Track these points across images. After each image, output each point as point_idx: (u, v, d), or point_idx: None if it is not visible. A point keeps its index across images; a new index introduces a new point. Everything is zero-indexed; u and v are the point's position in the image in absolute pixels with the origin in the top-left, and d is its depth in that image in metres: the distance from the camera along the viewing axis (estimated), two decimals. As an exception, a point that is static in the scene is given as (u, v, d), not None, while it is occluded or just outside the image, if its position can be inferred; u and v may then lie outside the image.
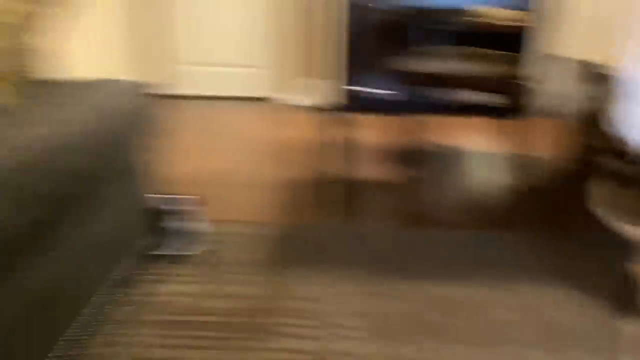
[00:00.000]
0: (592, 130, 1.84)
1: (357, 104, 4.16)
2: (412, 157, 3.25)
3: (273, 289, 1.68)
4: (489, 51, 2.75)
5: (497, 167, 3.04)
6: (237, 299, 1.63)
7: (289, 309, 1.58)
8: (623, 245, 1.60)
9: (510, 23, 2.49)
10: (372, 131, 3.67)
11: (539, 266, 1.88)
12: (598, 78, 1.66)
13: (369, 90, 4.25)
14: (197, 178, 2.69)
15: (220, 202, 2.40)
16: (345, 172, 2.88)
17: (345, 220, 2.25)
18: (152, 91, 1.65)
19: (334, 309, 1.58)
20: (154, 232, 1.84)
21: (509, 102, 2.61)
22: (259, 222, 2.17)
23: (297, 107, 4.09)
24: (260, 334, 1.47)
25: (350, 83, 4.25)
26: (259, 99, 4.41)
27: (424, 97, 3.20)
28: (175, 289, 1.66)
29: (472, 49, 2.80)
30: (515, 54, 2.44)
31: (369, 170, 2.97)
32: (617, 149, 1.65)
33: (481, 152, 3.43)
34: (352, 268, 1.81)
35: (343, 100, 4.12)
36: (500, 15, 2.54)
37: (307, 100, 4.07)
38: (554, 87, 1.99)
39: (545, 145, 3.65)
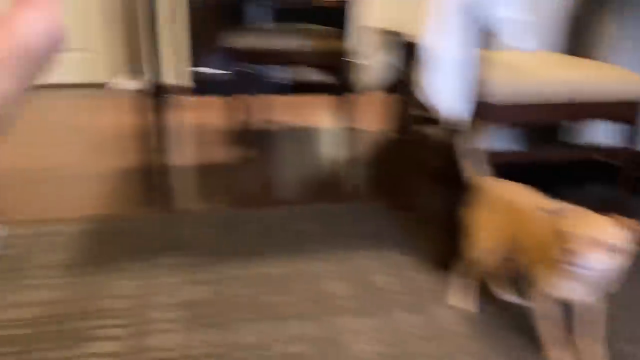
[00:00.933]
0: (410, 100, 1.90)
1: (202, 86, 4.00)
2: (249, 137, 3.19)
3: (86, 290, 1.51)
4: (318, 27, 2.75)
5: (333, 142, 3.08)
6: (44, 305, 1.44)
7: (103, 309, 1.43)
8: (454, 212, 1.67)
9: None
10: (213, 113, 3.55)
11: (375, 236, 1.91)
12: (407, 48, 1.70)
13: (210, 71, 4.11)
14: (7, 175, 2.39)
15: (28, 201, 2.15)
16: (174, 157, 2.74)
17: (170, 208, 2.13)
18: None
19: (154, 303, 1.46)
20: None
21: (338, 78, 2.64)
22: (74, 218, 1.97)
23: (133, 92, 3.83)
24: (68, 341, 1.31)
25: (194, 64, 4.08)
26: (93, 85, 4.09)
27: (258, 76, 3.14)
28: (-34, 304, 1.43)
29: (301, 25, 2.78)
30: (340, 29, 2.46)
31: (204, 153, 2.85)
32: (431, 117, 1.70)
33: (318, 129, 3.46)
34: (176, 257, 1.70)
35: (187, 83, 3.94)
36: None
37: (143, 84, 3.81)
38: (374, 60, 2.03)
39: (375, 118, 3.79)
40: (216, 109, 2.75)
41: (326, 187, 2.44)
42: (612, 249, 1.07)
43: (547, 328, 1.29)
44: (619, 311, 1.48)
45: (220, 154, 2.84)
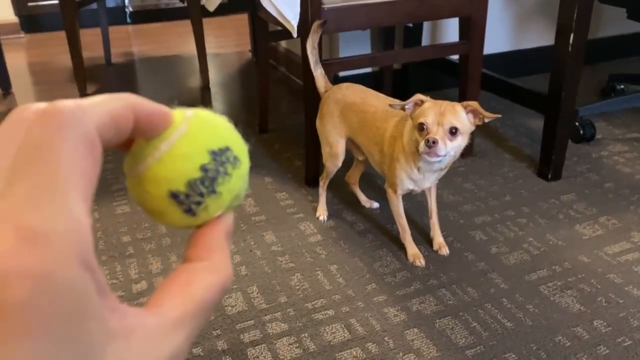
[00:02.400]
0: (261, 16, 1.81)
1: (33, 23, 3.60)
2: (99, 71, 2.95)
3: None
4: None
5: (190, 69, 2.93)
6: None
7: None
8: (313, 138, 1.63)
9: None
10: (55, 50, 3.23)
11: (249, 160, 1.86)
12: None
13: (42, 2, 3.70)
14: None
15: None
16: (18, 101, 2.47)
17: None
18: None
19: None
20: None
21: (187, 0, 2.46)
22: None
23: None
24: None
25: None
26: None
27: (101, 7, 2.86)
28: None
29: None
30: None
31: (49, 95, 2.61)
32: (284, 30, 1.62)
33: (175, 56, 3.27)
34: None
35: (17, 19, 3.51)
36: None
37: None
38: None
39: (233, 39, 3.65)
40: (59, 46, 2.49)
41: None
42: (456, 130, 1.11)
43: (403, 222, 1.33)
44: (468, 203, 1.57)
45: (70, 93, 2.61)
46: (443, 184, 1.64)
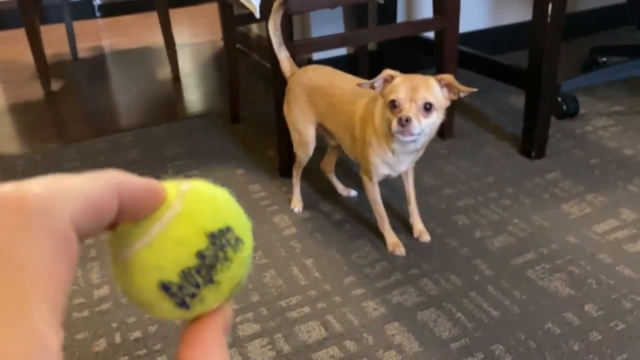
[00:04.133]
0: (224, 4, 1.72)
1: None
2: (67, 67, 2.84)
3: None
4: None
5: (160, 61, 2.83)
6: None
7: None
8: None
9: None
10: (17, 47, 3.10)
11: (208, 153, 1.78)
12: None
13: None
14: None
15: None
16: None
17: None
18: None
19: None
20: None
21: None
22: None
23: None
24: None
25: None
26: None
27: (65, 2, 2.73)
28: None
29: None
30: None
31: (14, 92, 2.49)
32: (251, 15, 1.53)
33: (144, 48, 3.17)
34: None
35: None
36: None
37: None
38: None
39: (204, 29, 3.55)
40: (23, 42, 2.38)
41: (155, 109, 2.23)
42: (431, 106, 1.03)
43: (380, 209, 1.26)
44: (449, 186, 1.50)
45: (35, 90, 2.50)
46: (423, 167, 1.57)
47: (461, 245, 1.24)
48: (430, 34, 1.69)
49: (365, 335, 1.02)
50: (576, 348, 0.95)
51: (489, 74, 1.73)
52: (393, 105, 1.04)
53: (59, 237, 0.18)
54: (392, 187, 1.44)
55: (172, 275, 0.23)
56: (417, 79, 1.05)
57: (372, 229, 1.32)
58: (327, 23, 2.09)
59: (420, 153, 1.19)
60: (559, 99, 1.78)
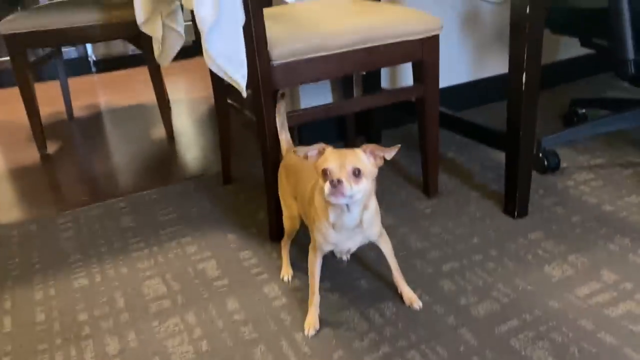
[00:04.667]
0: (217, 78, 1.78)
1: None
2: (59, 128, 2.90)
3: None
4: (109, -3, 2.49)
5: (152, 119, 2.89)
6: None
7: None
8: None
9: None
10: (8, 107, 3.17)
11: (199, 217, 1.81)
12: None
13: None
14: None
15: None
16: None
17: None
18: None
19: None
20: None
21: (142, 48, 2.43)
22: None
23: None
24: None
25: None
26: None
27: (57, 59, 2.82)
28: None
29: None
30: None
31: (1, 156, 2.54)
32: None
33: (137, 105, 3.23)
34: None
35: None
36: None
37: None
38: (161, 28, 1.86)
39: (196, 85, 3.62)
40: (19, 102, 2.44)
41: (150, 172, 2.28)
42: (359, 172, 1.09)
43: (314, 283, 1.28)
44: (434, 248, 1.54)
45: (30, 154, 2.55)
46: (409, 228, 1.61)
47: (447, 313, 1.27)
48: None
49: (353, 413, 1.04)
50: (559, 422, 0.98)
51: (469, 135, 1.79)
52: (325, 174, 1.10)
53: None
54: (380, 251, 1.48)
55: None
56: (345, 150, 1.13)
57: (361, 297, 1.35)
58: (316, 93, 2.16)
59: (370, 233, 1.22)
60: (540, 154, 1.83)
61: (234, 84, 1.40)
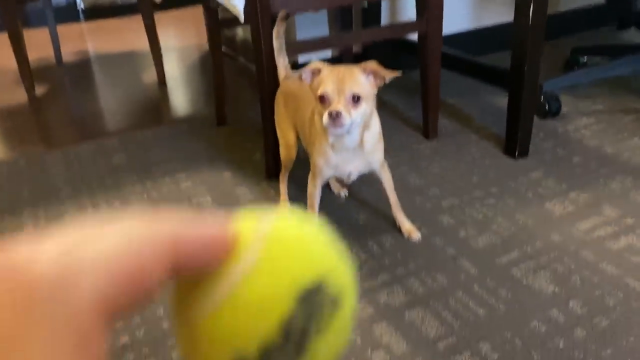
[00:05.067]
0: (212, 5, 1.72)
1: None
2: (52, 71, 2.82)
3: None
4: None
5: (145, 65, 2.82)
6: None
7: None
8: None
9: None
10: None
11: (193, 156, 1.77)
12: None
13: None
14: None
15: None
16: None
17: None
18: None
19: None
20: None
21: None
22: None
23: None
24: None
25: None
26: None
27: (47, 5, 2.72)
28: None
29: None
30: None
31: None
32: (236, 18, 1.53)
33: (129, 52, 3.15)
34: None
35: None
36: None
37: None
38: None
39: (190, 32, 3.54)
40: (6, 47, 2.35)
41: (141, 113, 2.23)
42: (357, 96, 1.04)
43: (313, 204, 1.26)
44: (434, 186, 1.51)
45: (18, 96, 2.48)
46: (408, 167, 1.58)
47: (447, 245, 1.25)
48: (414, 36, 1.70)
49: (353, 335, 1.02)
50: (561, 345, 0.97)
51: (472, 75, 1.75)
52: (322, 99, 1.05)
53: (79, 329, 0.13)
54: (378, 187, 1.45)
55: (247, 349, 0.17)
56: (342, 70, 1.06)
57: (360, 229, 1.33)
58: (312, 26, 2.10)
59: (371, 159, 1.19)
60: (542, 98, 1.80)
61: (231, 9, 1.35)
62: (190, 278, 0.18)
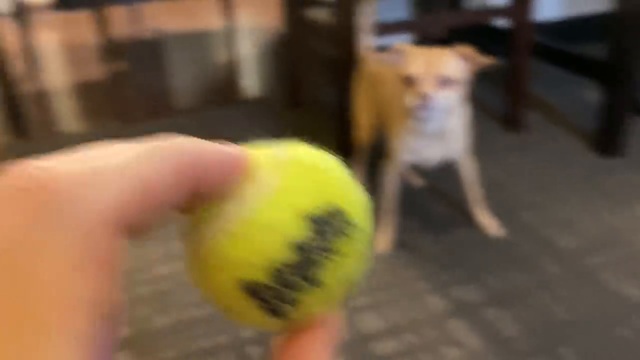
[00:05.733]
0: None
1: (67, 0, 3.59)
2: (128, 49, 2.90)
3: None
4: None
5: (221, 44, 2.85)
6: None
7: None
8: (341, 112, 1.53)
9: None
10: (82, 29, 3.20)
11: (267, 136, 1.78)
12: None
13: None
14: None
15: None
16: (47, 80, 2.46)
17: (48, 133, 1.91)
18: None
19: None
20: None
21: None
22: None
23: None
24: None
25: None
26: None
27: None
28: None
29: None
30: None
31: (80, 73, 2.57)
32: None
33: (205, 31, 3.20)
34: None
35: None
36: None
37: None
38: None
39: (265, 13, 3.55)
40: (85, 25, 2.44)
41: (215, 92, 2.26)
42: (447, 80, 0.99)
43: (390, 204, 1.21)
44: (515, 180, 1.45)
45: (98, 70, 2.57)
46: (492, 161, 1.52)
47: (527, 242, 1.20)
48: (500, 21, 1.62)
49: (426, 329, 0.99)
50: (650, 357, 0.90)
51: (564, 66, 1.65)
52: (409, 80, 1.00)
53: (93, 241, 0.13)
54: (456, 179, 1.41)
55: (259, 274, 0.17)
56: (432, 52, 1.01)
57: (433, 221, 1.29)
58: (390, 9, 2.05)
59: (453, 147, 1.13)
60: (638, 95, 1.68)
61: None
62: (204, 196, 0.17)
